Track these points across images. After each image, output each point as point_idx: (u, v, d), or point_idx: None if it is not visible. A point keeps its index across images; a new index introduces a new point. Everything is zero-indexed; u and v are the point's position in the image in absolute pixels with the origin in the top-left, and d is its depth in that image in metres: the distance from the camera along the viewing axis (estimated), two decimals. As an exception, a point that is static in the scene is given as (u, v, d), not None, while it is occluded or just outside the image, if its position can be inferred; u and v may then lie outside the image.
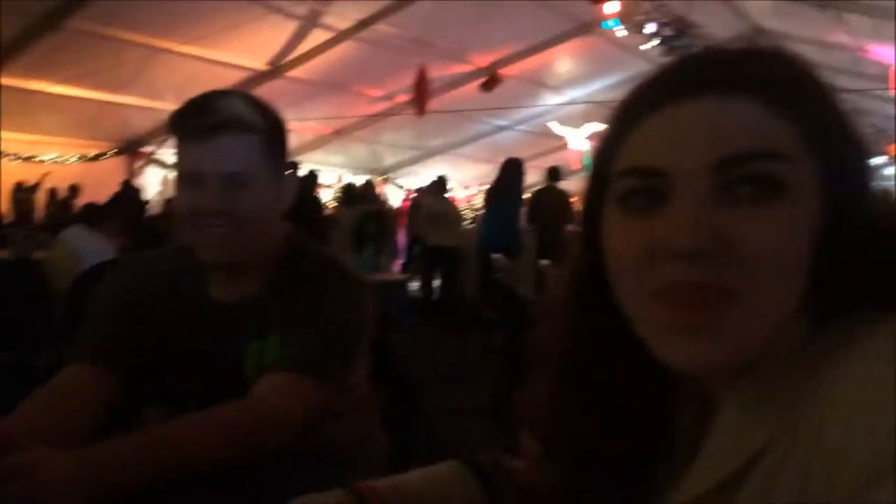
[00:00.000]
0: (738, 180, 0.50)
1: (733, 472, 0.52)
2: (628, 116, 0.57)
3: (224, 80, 8.89)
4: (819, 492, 0.44)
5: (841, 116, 0.55)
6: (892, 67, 7.85)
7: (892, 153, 16.18)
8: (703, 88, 0.53)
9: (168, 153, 10.82)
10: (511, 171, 6.97)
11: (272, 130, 1.17)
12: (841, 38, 8.88)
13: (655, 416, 0.63)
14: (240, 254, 1.15)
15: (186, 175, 1.14)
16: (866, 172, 0.56)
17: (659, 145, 0.54)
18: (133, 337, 1.19)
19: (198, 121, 1.11)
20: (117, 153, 10.80)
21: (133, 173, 10.70)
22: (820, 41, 9.46)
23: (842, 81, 11.53)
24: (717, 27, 8.60)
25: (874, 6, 7.31)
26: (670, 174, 0.52)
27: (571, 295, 0.65)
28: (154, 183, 10.82)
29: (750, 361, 0.53)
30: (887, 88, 8.71)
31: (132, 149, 10.89)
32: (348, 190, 8.57)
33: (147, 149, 10.91)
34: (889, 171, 16.72)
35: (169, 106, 7.03)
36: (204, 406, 1.02)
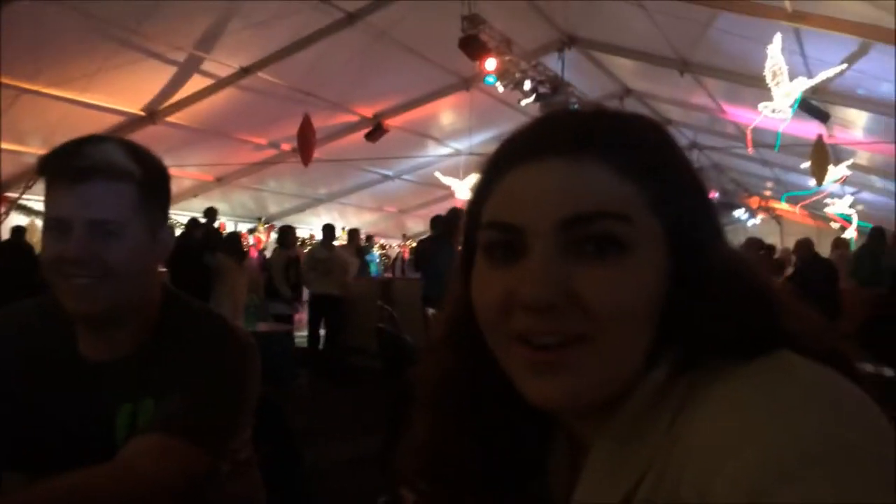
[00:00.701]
0: (584, 239, 0.54)
1: None
2: (493, 170, 0.60)
3: (97, 123, 8.50)
4: None
5: (688, 176, 0.60)
6: (749, 128, 8.55)
7: (751, 205, 17.55)
8: (556, 149, 0.56)
9: (34, 199, 10.22)
10: (445, 222, 6.88)
11: (149, 179, 1.13)
12: (701, 99, 9.62)
13: (531, 455, 0.65)
14: (105, 306, 1.09)
15: (53, 222, 1.08)
16: (714, 228, 0.60)
17: (513, 202, 0.57)
18: None
19: (67, 165, 1.06)
20: (-23, 199, 10.05)
21: (-6, 220, 9.97)
22: (682, 102, 10.21)
23: (703, 139, 12.49)
24: (590, 86, 9.12)
25: (728, 72, 7.98)
26: (523, 230, 0.55)
27: (448, 335, 0.67)
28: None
29: (609, 403, 0.56)
30: (745, 146, 9.46)
31: (-7, 194, 10.17)
32: (233, 239, 8.31)
33: (11, 194, 10.21)
34: (749, 221, 18.11)
35: (36, 150, 6.65)
36: (69, 470, 0.95)
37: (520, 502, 0.64)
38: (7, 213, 10.13)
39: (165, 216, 1.19)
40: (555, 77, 8.01)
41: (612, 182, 0.55)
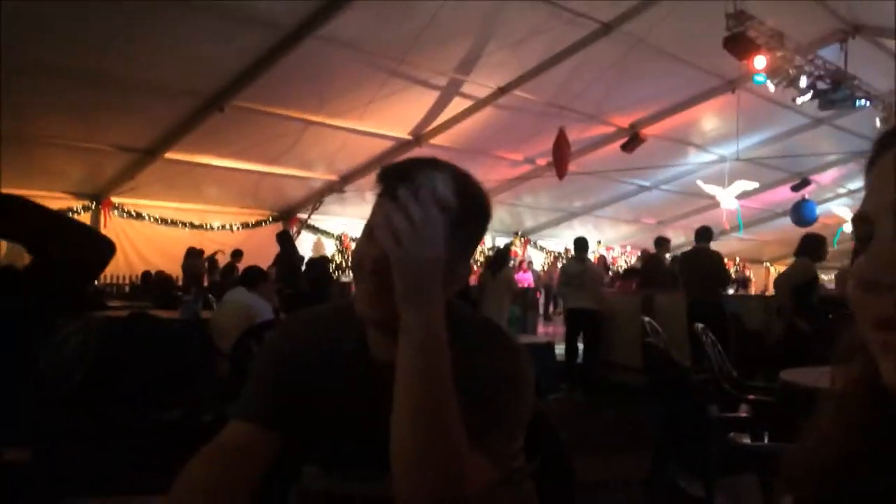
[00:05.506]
0: None
1: None
2: (871, 162, 0.55)
3: (371, 149, 9.34)
4: None
5: None
6: None
7: None
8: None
9: (320, 219, 11.49)
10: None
11: (465, 212, 1.14)
12: None
13: None
14: (384, 314, 1.14)
15: (368, 228, 1.15)
16: None
17: (868, 193, 0.52)
18: (294, 395, 1.20)
19: (394, 184, 1.13)
20: (275, 220, 11.53)
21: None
22: None
23: None
24: (878, 78, 8.07)
25: None
26: (869, 219, 0.51)
27: None
28: (307, 247, 11.40)
29: None
30: None
31: (287, 216, 11.59)
32: (500, 253, 8.57)
33: (301, 215, 11.57)
34: None
35: (320, 175, 7.42)
36: (363, 467, 1.00)
37: None
38: (299, 233, 11.48)
39: (469, 249, 1.20)
40: (836, 70, 7.21)
41: None
